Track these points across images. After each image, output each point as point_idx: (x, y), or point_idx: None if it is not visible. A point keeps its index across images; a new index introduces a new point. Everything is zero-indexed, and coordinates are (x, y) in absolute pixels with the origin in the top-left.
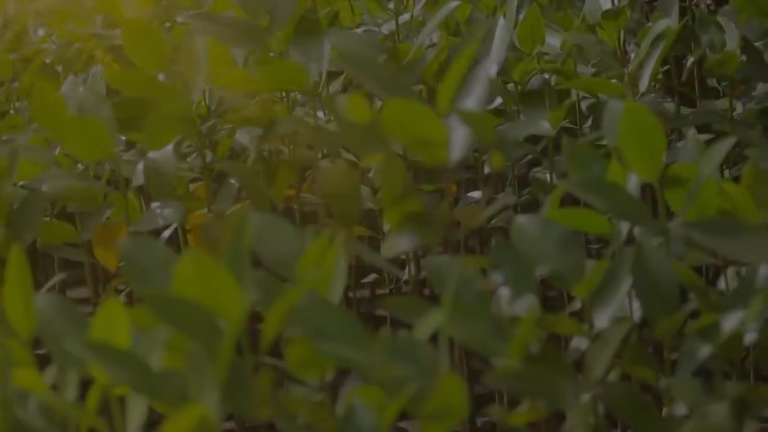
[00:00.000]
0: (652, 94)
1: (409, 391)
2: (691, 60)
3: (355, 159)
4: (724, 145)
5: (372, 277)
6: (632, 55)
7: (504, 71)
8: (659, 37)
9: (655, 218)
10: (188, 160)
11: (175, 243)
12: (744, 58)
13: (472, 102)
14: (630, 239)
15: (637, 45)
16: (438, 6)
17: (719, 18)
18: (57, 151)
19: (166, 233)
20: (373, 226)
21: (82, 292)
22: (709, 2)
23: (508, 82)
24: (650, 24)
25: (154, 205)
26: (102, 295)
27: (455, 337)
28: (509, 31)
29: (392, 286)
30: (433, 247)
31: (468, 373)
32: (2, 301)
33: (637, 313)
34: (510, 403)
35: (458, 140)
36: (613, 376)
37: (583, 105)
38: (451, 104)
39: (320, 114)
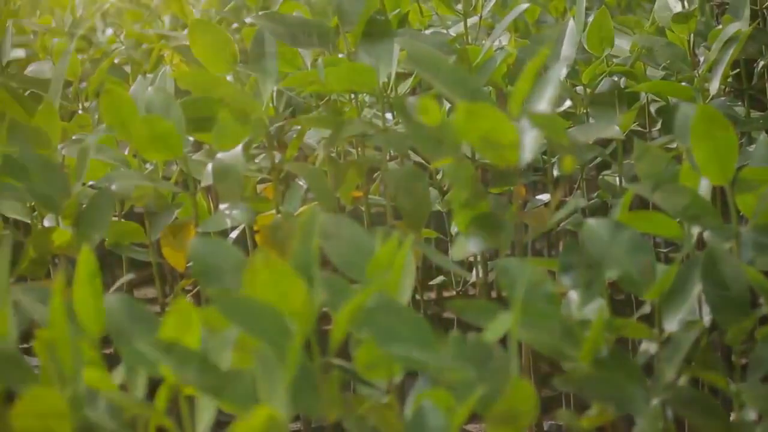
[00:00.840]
0: (722, 98)
1: (479, 394)
2: (761, 63)
3: (423, 161)
4: None
5: (439, 279)
6: (702, 58)
7: (573, 74)
8: (730, 40)
9: (726, 222)
10: (257, 161)
11: (243, 243)
12: None
13: (542, 104)
14: (700, 243)
15: (707, 48)
16: (507, 8)
17: None
18: (126, 151)
19: (234, 234)
20: (440, 227)
21: (148, 292)
22: None
23: (577, 85)
24: (721, 27)
25: (223, 206)
26: (169, 296)
27: (524, 340)
28: (578, 34)
29: (459, 289)
30: (502, 250)
31: (535, 376)
32: (72, 301)
33: (706, 317)
34: (576, 406)
35: (529, 142)
36: (682, 381)
37: (652, 108)
38: (522, 107)
39: (388, 115)
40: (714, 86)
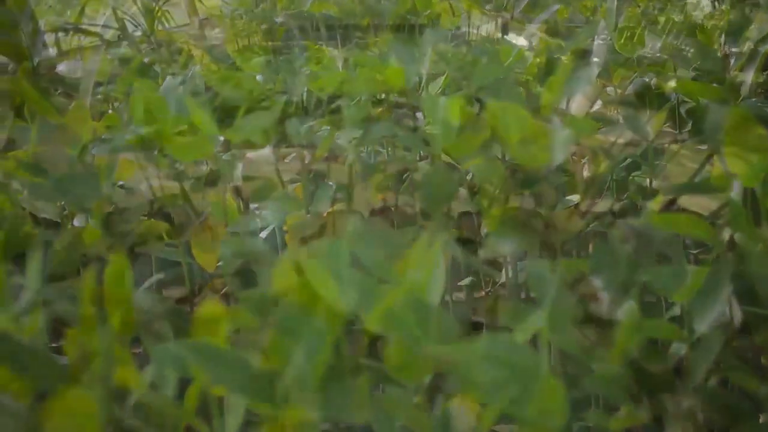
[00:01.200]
0: (753, 99)
1: (508, 395)
2: None
3: (453, 161)
4: None
5: (468, 280)
6: (733, 59)
7: (604, 74)
8: (761, 40)
9: (757, 224)
10: (286, 161)
11: (273, 243)
12: None
13: (574, 105)
14: (731, 245)
15: (739, 48)
16: (537, 8)
17: None
18: (155, 151)
19: (264, 233)
20: (470, 228)
21: (176, 292)
22: None
23: (607, 85)
24: (752, 27)
25: (253, 206)
26: (198, 295)
27: (554, 341)
28: (609, 34)
29: (488, 289)
30: (531, 251)
31: (565, 377)
32: (102, 300)
33: (737, 319)
34: (606, 407)
35: (560, 144)
36: (712, 382)
37: (682, 109)
38: (553, 107)
39: (419, 115)
40: (745, 87)
